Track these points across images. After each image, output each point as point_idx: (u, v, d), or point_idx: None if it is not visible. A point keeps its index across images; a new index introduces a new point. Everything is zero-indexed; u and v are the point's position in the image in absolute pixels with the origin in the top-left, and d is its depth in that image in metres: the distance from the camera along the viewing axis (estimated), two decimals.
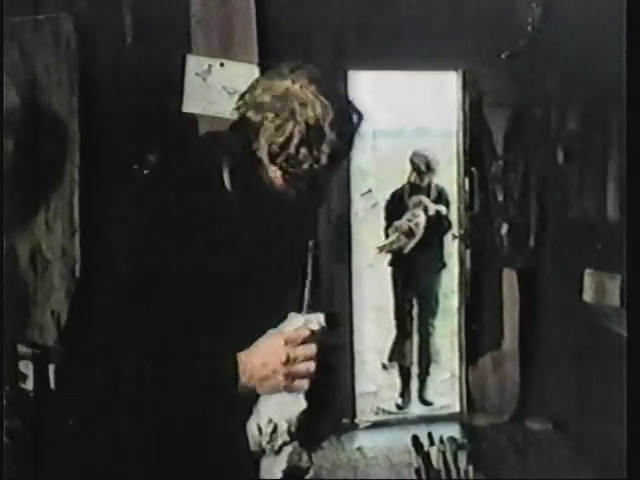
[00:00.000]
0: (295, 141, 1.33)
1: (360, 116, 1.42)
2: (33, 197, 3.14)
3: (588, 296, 3.78)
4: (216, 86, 3.27)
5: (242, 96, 1.41)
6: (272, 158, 1.36)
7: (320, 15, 3.71)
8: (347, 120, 1.37)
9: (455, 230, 4.54)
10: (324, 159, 1.35)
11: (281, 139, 1.33)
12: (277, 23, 3.48)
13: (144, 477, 1.39)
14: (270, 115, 1.34)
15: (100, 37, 3.24)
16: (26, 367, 2.86)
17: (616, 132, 3.57)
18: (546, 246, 4.25)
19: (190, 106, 3.29)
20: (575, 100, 3.95)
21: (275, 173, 1.38)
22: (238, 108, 1.39)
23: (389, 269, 4.92)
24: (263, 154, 1.36)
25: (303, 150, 1.33)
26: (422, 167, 4.74)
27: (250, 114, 1.36)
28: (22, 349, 2.91)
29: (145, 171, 1.46)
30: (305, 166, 1.35)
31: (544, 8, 3.80)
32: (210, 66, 3.31)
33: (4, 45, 2.86)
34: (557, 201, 4.18)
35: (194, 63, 3.32)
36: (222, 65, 3.30)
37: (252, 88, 1.40)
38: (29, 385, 2.81)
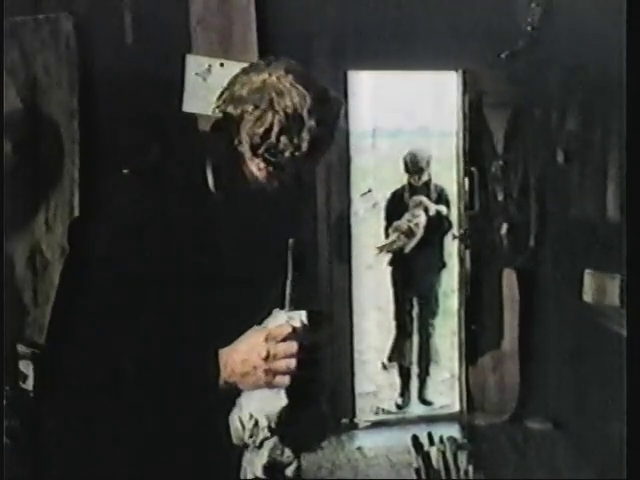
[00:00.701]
0: (275, 130, 1.37)
1: (340, 103, 1.45)
2: (33, 197, 3.14)
3: (588, 296, 3.78)
4: (216, 86, 3.26)
5: (221, 94, 1.43)
6: (254, 150, 1.39)
7: (320, 15, 3.71)
8: (326, 107, 1.40)
9: (455, 230, 4.54)
10: (305, 146, 1.38)
11: (261, 130, 1.37)
12: (277, 23, 3.48)
13: (129, 472, 1.40)
14: (249, 107, 1.37)
15: (100, 37, 3.24)
16: (26, 367, 2.86)
17: (616, 132, 3.57)
18: (546, 246, 4.25)
19: (190, 106, 3.29)
20: (575, 100, 3.95)
21: (258, 165, 1.41)
22: (218, 106, 1.42)
23: (389, 269, 4.93)
24: (245, 147, 1.40)
25: (283, 139, 1.37)
26: (411, 166, 4.74)
27: (230, 109, 1.40)
28: (22, 349, 2.91)
29: (125, 170, 1.46)
30: (287, 154, 1.38)
31: (544, 8, 3.80)
32: (210, 66, 3.30)
33: (4, 45, 2.86)
34: (557, 201, 4.18)
35: (194, 63, 3.32)
36: (222, 65, 3.29)
37: (231, 85, 1.43)
38: (29, 385, 2.81)
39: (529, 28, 3.80)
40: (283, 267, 1.35)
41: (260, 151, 1.39)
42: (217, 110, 1.42)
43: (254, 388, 1.32)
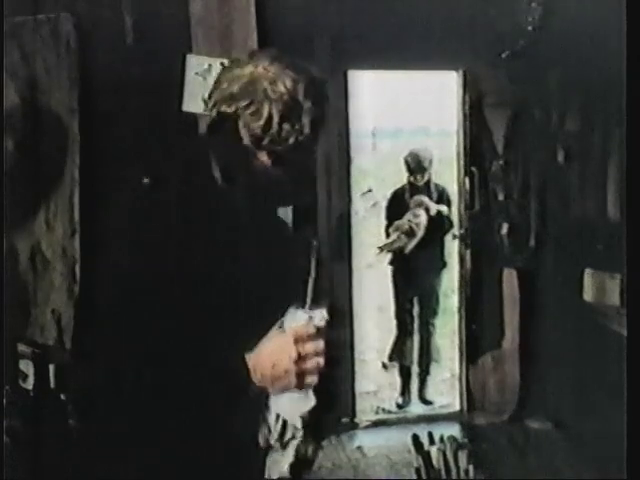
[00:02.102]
0: (276, 119, 1.36)
1: (324, 80, 1.45)
2: (33, 197, 3.14)
3: (588, 296, 3.78)
4: None
5: (210, 96, 1.42)
6: (257, 144, 1.38)
7: (320, 15, 3.71)
8: (315, 86, 1.40)
9: (455, 230, 4.54)
10: (307, 129, 1.37)
11: (262, 122, 1.36)
12: (277, 23, 3.48)
13: (148, 477, 1.39)
14: (244, 103, 1.36)
15: (100, 37, 3.24)
16: (26, 366, 2.86)
17: (616, 132, 3.57)
18: (546, 246, 4.24)
19: (190, 106, 3.29)
20: (575, 100, 3.95)
21: (263, 157, 1.40)
22: (212, 108, 1.41)
23: (389, 268, 4.92)
24: (247, 142, 1.39)
25: (286, 126, 1.36)
26: (413, 166, 4.74)
27: (224, 108, 1.38)
28: (22, 348, 2.92)
29: (145, 180, 1.46)
30: (291, 141, 1.37)
31: (544, 8, 3.80)
32: (210, 66, 3.30)
33: (4, 45, 2.87)
34: (557, 201, 4.18)
35: (194, 63, 3.32)
36: (222, 65, 3.29)
37: (217, 84, 1.42)
38: (29, 384, 2.82)
39: (529, 28, 3.80)
40: (299, 265, 1.36)
41: (264, 143, 1.37)
42: (211, 111, 1.42)
43: (284, 391, 1.32)
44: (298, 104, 1.36)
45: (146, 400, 1.31)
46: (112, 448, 1.37)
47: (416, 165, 4.73)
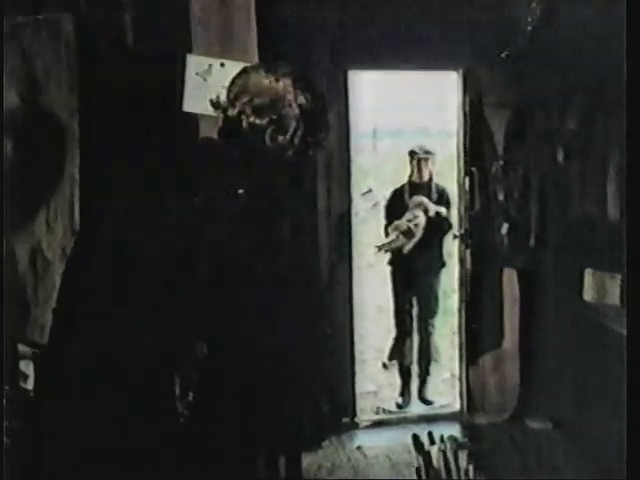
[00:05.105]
0: (300, 134, 1.44)
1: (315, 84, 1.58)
2: (33, 197, 3.14)
3: (588, 295, 3.78)
4: (216, 86, 3.27)
5: (234, 99, 1.46)
6: (281, 150, 1.47)
7: (320, 15, 3.71)
8: (321, 97, 1.54)
9: (455, 230, 4.54)
10: (326, 130, 1.55)
11: (288, 136, 1.43)
12: (277, 23, 3.48)
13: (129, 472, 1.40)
14: (270, 117, 1.41)
15: (100, 37, 3.24)
16: (26, 367, 2.86)
17: (616, 132, 3.57)
18: (546, 245, 4.25)
19: (190, 106, 3.29)
20: (575, 100, 3.95)
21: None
22: (241, 113, 1.45)
23: (389, 268, 4.92)
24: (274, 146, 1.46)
25: (309, 139, 1.45)
26: (419, 150, 4.74)
27: (252, 120, 1.43)
28: (22, 348, 2.92)
29: (240, 190, 1.51)
30: (310, 152, 1.46)
31: (544, 8, 3.80)
32: (210, 66, 3.30)
33: (4, 45, 2.87)
34: (557, 201, 4.18)
35: (194, 63, 3.32)
36: (222, 65, 3.29)
37: (236, 91, 1.46)
38: (29, 385, 2.82)
39: (529, 28, 3.80)
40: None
41: (289, 153, 1.45)
42: (242, 117, 1.46)
43: None
44: (317, 119, 1.45)
45: (145, 399, 1.31)
46: (111, 447, 1.38)
47: (422, 150, 4.74)
